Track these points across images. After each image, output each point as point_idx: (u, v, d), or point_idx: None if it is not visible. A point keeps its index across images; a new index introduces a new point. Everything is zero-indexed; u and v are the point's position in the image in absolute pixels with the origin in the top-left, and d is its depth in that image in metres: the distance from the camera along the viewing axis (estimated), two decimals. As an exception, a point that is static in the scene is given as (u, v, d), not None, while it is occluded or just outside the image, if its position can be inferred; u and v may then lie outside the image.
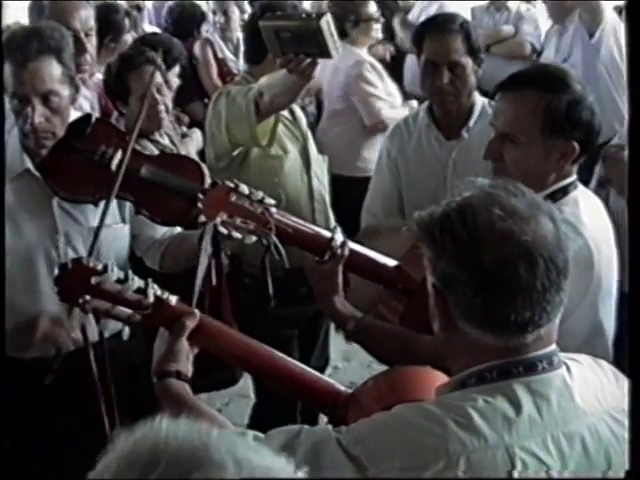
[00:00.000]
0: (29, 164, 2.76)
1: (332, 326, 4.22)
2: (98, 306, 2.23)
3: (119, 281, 2.22)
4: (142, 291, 2.23)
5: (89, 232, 2.74)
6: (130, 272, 2.28)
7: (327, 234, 2.60)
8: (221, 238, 2.53)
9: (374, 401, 2.06)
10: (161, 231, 3.00)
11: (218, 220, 2.50)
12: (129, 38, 4.80)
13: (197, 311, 2.26)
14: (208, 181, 2.75)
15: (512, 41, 6.77)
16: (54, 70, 2.67)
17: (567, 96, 2.49)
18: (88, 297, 2.21)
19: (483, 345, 1.65)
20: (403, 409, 1.70)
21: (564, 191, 2.54)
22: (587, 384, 1.73)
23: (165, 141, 4.04)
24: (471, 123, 3.56)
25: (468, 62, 3.49)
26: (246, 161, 3.71)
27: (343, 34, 5.05)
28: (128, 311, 2.25)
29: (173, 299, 2.26)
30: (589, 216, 2.54)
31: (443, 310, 1.67)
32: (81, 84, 3.77)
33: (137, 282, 2.23)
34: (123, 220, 2.92)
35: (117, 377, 2.55)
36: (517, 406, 1.63)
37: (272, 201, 2.56)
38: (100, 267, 2.24)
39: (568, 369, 1.71)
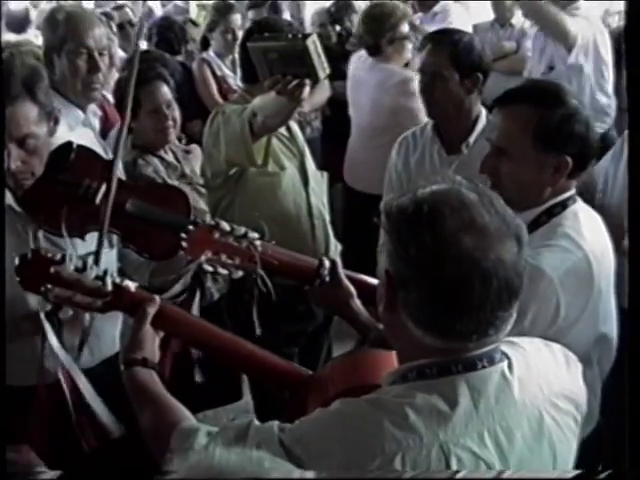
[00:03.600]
0: (10, 200, 2.70)
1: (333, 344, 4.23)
2: (59, 294, 2.30)
3: (77, 270, 2.30)
4: (101, 279, 2.29)
5: (80, 259, 2.72)
6: (90, 261, 2.34)
7: (314, 262, 2.59)
8: (204, 275, 2.55)
9: (334, 383, 2.09)
10: None
11: (203, 258, 2.51)
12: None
13: (157, 296, 2.30)
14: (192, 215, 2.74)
15: (514, 57, 6.77)
16: (29, 112, 2.57)
17: (560, 110, 2.50)
18: (49, 286, 2.28)
19: (422, 342, 1.66)
20: (342, 407, 1.72)
21: (563, 205, 2.55)
22: (529, 372, 1.75)
23: (169, 157, 4.03)
24: (471, 139, 3.61)
25: (452, 75, 3.54)
26: (243, 179, 3.70)
27: (377, 51, 5.16)
28: (89, 299, 2.31)
29: (132, 286, 2.33)
30: (589, 230, 2.54)
31: (390, 300, 1.68)
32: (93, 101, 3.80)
33: (95, 271, 2.30)
34: (111, 245, 2.89)
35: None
36: (453, 402, 1.65)
37: (255, 234, 2.56)
38: (58, 257, 2.32)
39: (509, 362, 1.72)
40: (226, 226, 2.56)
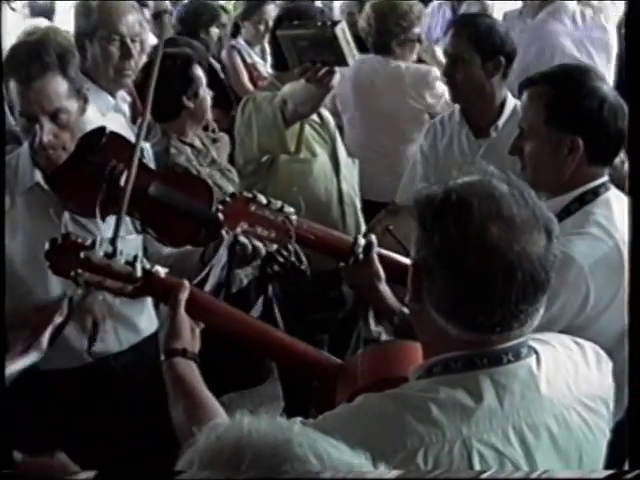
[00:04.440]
0: (39, 178, 2.74)
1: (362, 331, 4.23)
2: (90, 279, 2.30)
3: (107, 255, 2.29)
4: (130, 264, 2.30)
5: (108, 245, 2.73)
6: (119, 247, 2.32)
7: (349, 239, 2.59)
8: (240, 248, 2.53)
9: (363, 374, 2.09)
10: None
11: (239, 230, 2.52)
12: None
13: (187, 282, 2.30)
14: (215, 203, 2.73)
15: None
16: (60, 87, 2.63)
17: (573, 89, 2.53)
18: (80, 270, 2.28)
19: (446, 334, 1.65)
20: (365, 402, 1.72)
21: (595, 192, 2.54)
22: (558, 371, 1.73)
23: (197, 143, 4.04)
24: (500, 122, 3.63)
25: (474, 58, 3.56)
26: (274, 165, 3.72)
27: (388, 51, 4.95)
28: (120, 284, 2.31)
29: (162, 271, 2.32)
30: (621, 218, 2.51)
31: (416, 288, 1.68)
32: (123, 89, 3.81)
33: (125, 257, 2.30)
34: (137, 231, 2.89)
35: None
36: (478, 398, 1.63)
37: (291, 209, 2.57)
38: (89, 242, 2.32)
39: (537, 357, 1.71)
40: (263, 199, 2.56)
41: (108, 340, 2.89)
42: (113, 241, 2.42)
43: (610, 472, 1.71)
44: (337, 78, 3.10)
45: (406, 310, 2.49)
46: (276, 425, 1.14)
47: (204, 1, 6.65)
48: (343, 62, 2.96)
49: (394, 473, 1.27)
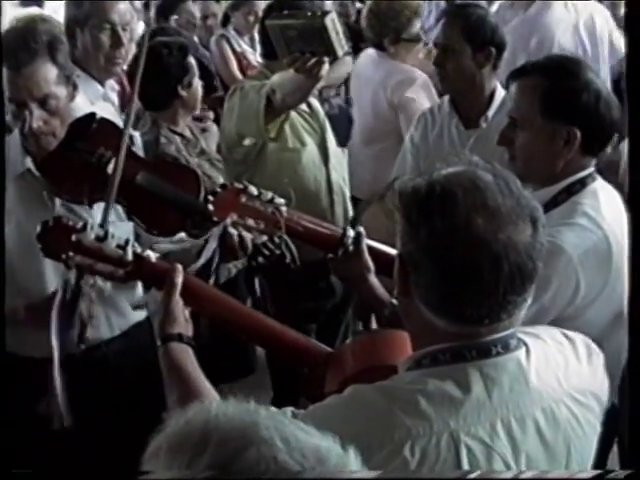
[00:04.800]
0: (30, 164, 2.75)
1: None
2: (81, 262, 2.30)
3: (98, 238, 2.30)
4: (122, 248, 2.30)
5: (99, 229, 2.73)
6: (111, 230, 2.33)
7: (339, 230, 2.58)
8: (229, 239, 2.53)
9: (352, 362, 2.10)
10: None
11: (228, 221, 2.51)
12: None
13: (180, 266, 2.29)
14: (203, 194, 2.73)
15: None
16: (49, 73, 2.63)
17: (569, 82, 2.53)
18: (71, 253, 2.28)
19: (435, 326, 1.65)
20: (353, 394, 1.71)
21: (582, 183, 2.55)
22: (547, 364, 1.72)
23: (188, 134, 4.04)
24: (490, 113, 3.65)
25: (464, 48, 3.58)
26: (263, 154, 3.72)
27: (382, 48, 4.84)
28: (111, 267, 2.31)
29: (153, 256, 2.33)
30: (608, 209, 2.54)
31: (403, 282, 1.68)
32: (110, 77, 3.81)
33: (117, 240, 2.31)
34: (129, 217, 2.87)
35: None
36: (466, 390, 1.63)
37: (282, 200, 2.56)
38: (80, 225, 2.32)
39: (527, 350, 1.70)
40: (254, 190, 2.55)
41: (100, 326, 2.90)
42: (102, 226, 2.42)
43: (597, 472, 1.71)
44: (326, 68, 3.09)
45: (396, 302, 2.51)
46: (243, 408, 1.14)
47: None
48: (332, 53, 2.96)
49: (375, 473, 1.27)
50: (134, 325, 3.00)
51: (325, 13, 2.92)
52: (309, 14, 3.02)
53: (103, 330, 2.93)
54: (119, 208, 2.79)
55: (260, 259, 2.65)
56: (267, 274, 3.56)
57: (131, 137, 2.79)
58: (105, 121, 2.78)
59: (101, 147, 2.66)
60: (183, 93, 3.81)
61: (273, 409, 1.74)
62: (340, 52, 2.95)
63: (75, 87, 2.75)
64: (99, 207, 2.66)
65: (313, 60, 3.02)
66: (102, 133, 2.72)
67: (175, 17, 6.06)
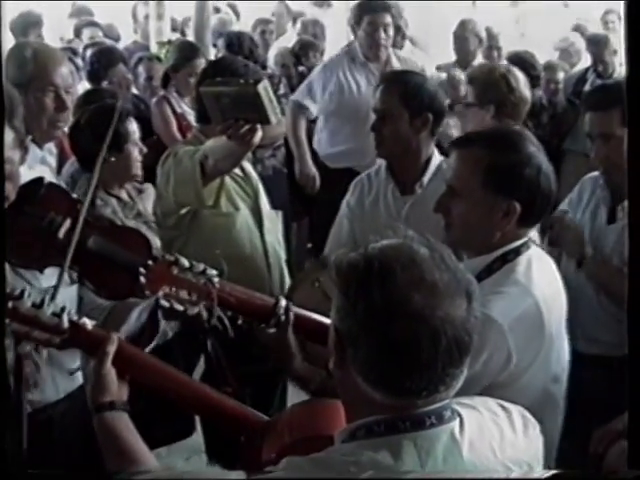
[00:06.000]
0: None
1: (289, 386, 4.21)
2: (17, 329, 2.28)
3: (34, 305, 2.28)
4: (57, 315, 2.29)
5: (40, 293, 2.70)
6: (47, 298, 2.31)
7: (270, 300, 2.58)
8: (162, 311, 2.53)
9: (290, 431, 2.11)
10: None
11: (160, 294, 2.50)
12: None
13: (115, 335, 2.29)
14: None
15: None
16: (6, 137, 2.59)
17: (512, 155, 2.52)
18: (7, 320, 2.24)
19: (371, 399, 1.65)
20: (289, 466, 1.71)
21: (517, 252, 2.55)
22: (482, 435, 1.74)
23: (125, 196, 4.03)
24: (425, 179, 3.63)
25: (402, 114, 3.58)
26: (197, 219, 3.71)
27: None
28: (47, 335, 2.29)
29: (89, 323, 2.32)
30: (541, 276, 2.55)
31: (339, 355, 1.68)
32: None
33: (53, 307, 2.29)
34: (72, 280, 2.87)
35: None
36: (399, 461, 1.63)
37: (214, 272, 2.55)
38: (17, 292, 2.30)
39: (461, 420, 1.71)
40: (185, 262, 2.55)
41: (45, 388, 2.86)
42: (53, 295, 2.42)
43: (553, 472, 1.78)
44: (259, 135, 3.11)
45: (322, 373, 2.50)
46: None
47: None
48: (265, 120, 2.98)
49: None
50: (79, 387, 2.96)
51: (258, 80, 2.95)
52: (242, 81, 3.05)
53: (49, 392, 2.91)
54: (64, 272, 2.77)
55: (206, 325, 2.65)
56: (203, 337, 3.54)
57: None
58: (53, 186, 2.79)
59: (51, 212, 2.65)
60: (111, 159, 3.78)
61: None
62: (273, 119, 2.97)
63: (26, 150, 2.74)
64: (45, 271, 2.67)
65: (246, 127, 3.05)
66: (51, 198, 2.71)
67: (105, 82, 6.07)
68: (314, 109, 6.07)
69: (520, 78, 4.25)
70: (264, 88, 2.89)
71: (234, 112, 3.02)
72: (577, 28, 8.70)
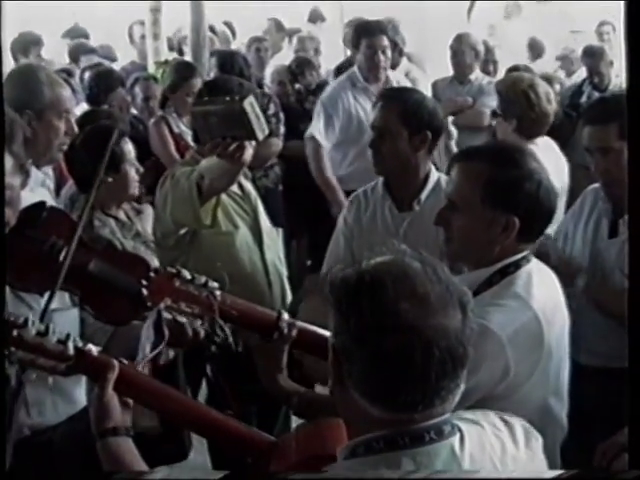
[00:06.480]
0: None
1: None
2: (23, 357, 2.28)
3: (39, 334, 2.28)
4: (62, 342, 2.28)
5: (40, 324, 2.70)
6: (52, 325, 2.31)
7: (272, 314, 2.59)
8: (165, 324, 2.52)
9: (297, 451, 2.11)
10: None
11: (162, 305, 2.51)
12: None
13: (115, 361, 2.28)
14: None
15: (470, 112, 6.83)
16: (6, 162, 2.58)
17: (512, 170, 2.53)
18: (13, 349, 2.26)
19: (370, 414, 1.66)
20: None
21: (517, 265, 2.55)
22: (483, 449, 1.74)
23: (123, 216, 4.03)
24: (423, 196, 3.62)
25: (401, 132, 3.57)
26: (196, 239, 3.73)
27: None
28: (52, 362, 2.29)
29: (94, 350, 2.32)
30: (541, 290, 2.55)
31: (337, 372, 1.69)
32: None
33: (57, 335, 2.29)
34: (74, 303, 2.85)
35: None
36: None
37: (215, 284, 2.56)
38: (21, 320, 2.29)
39: (461, 435, 1.71)
40: (187, 274, 2.55)
41: (46, 413, 2.87)
42: (42, 317, 2.42)
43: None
44: (250, 152, 3.12)
45: (303, 391, 2.54)
46: None
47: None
48: (252, 136, 2.97)
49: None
50: (81, 410, 2.96)
51: (243, 97, 2.95)
52: (227, 99, 3.05)
53: (49, 416, 2.89)
54: (65, 295, 2.77)
55: (213, 348, 2.65)
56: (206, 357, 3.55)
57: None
58: (55, 210, 2.78)
59: (53, 236, 2.65)
60: (107, 179, 3.78)
61: None
62: (260, 135, 2.97)
63: (28, 174, 2.74)
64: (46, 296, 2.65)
65: (234, 145, 3.05)
66: (53, 222, 2.71)
67: (105, 106, 6.08)
68: (327, 145, 6.02)
69: (542, 93, 4.29)
70: (250, 104, 2.89)
71: (221, 130, 3.03)
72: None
